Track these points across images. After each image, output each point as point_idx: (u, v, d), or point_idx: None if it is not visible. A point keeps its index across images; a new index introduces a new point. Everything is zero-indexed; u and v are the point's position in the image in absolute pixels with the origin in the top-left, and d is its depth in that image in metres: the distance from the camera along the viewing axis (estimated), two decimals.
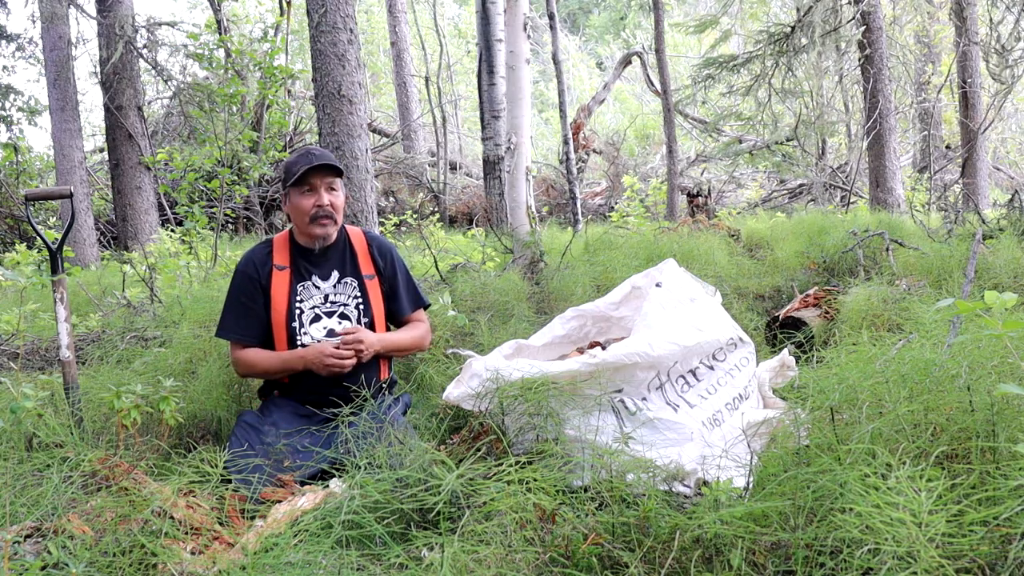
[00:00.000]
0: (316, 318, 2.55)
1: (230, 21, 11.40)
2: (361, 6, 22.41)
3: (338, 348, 2.43)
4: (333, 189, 2.57)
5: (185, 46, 9.33)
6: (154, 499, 1.70)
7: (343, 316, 2.57)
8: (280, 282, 2.56)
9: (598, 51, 28.93)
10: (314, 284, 2.59)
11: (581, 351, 2.80)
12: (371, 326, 2.60)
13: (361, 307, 2.60)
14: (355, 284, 2.62)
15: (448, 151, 12.97)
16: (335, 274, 2.62)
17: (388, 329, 2.70)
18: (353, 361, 2.44)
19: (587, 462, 1.88)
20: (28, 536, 1.60)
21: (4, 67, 24.42)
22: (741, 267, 4.72)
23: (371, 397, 2.43)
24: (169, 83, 9.60)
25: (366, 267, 2.66)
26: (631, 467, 1.82)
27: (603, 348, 2.52)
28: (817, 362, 2.18)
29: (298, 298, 2.56)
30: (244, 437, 2.38)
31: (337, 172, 2.57)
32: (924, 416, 1.64)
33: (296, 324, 2.54)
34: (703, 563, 1.50)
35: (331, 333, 2.55)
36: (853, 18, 8.15)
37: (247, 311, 2.56)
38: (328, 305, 2.58)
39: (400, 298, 2.70)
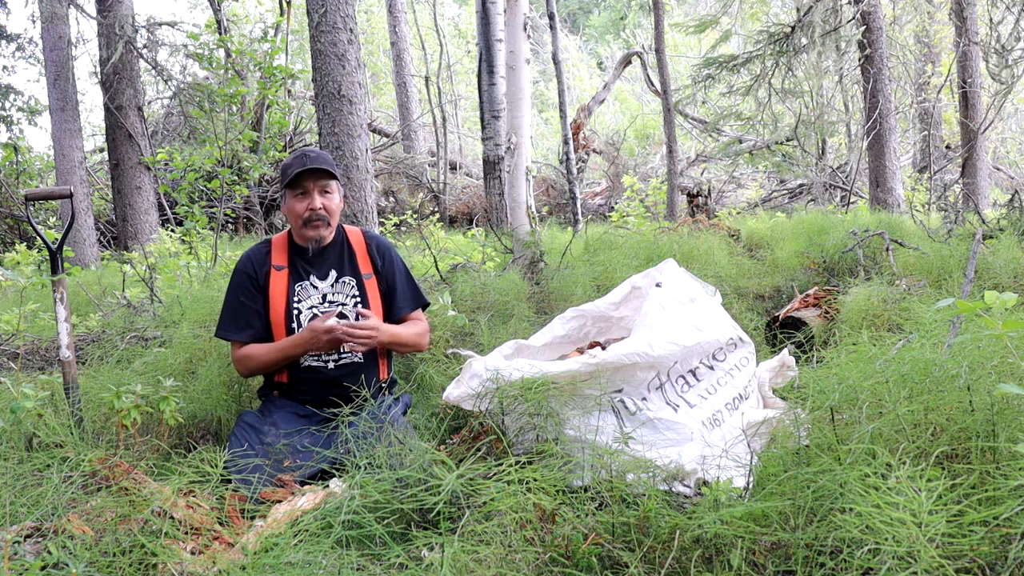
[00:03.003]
0: (314, 318, 2.56)
1: (230, 21, 11.39)
2: (361, 6, 22.42)
3: (351, 330, 2.42)
4: (327, 192, 2.56)
5: (185, 46, 9.33)
6: (154, 499, 1.70)
7: (341, 315, 2.58)
8: (278, 282, 2.57)
9: (598, 51, 28.93)
10: (312, 284, 2.59)
11: (581, 351, 2.80)
12: None
13: (359, 306, 2.60)
14: (353, 283, 2.62)
15: (448, 151, 12.97)
16: (333, 273, 2.62)
17: None
18: (359, 344, 2.43)
19: (587, 462, 1.88)
20: (28, 536, 1.60)
21: (4, 67, 24.38)
22: (741, 267, 4.72)
23: (371, 397, 2.43)
24: (169, 83, 9.60)
25: (364, 266, 2.66)
26: (631, 467, 1.82)
27: (603, 348, 2.52)
28: (817, 362, 2.18)
29: (296, 298, 2.56)
30: (244, 437, 2.38)
31: (330, 175, 2.56)
32: (924, 416, 1.64)
33: (295, 324, 2.54)
34: (703, 563, 1.50)
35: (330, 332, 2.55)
36: (853, 18, 8.15)
37: (246, 311, 2.56)
38: (326, 305, 2.58)
39: (399, 297, 2.70)
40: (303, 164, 2.52)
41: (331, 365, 2.53)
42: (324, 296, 2.59)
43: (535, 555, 1.56)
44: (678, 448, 2.19)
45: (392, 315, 2.70)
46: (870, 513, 1.26)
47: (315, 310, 2.56)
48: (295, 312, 2.55)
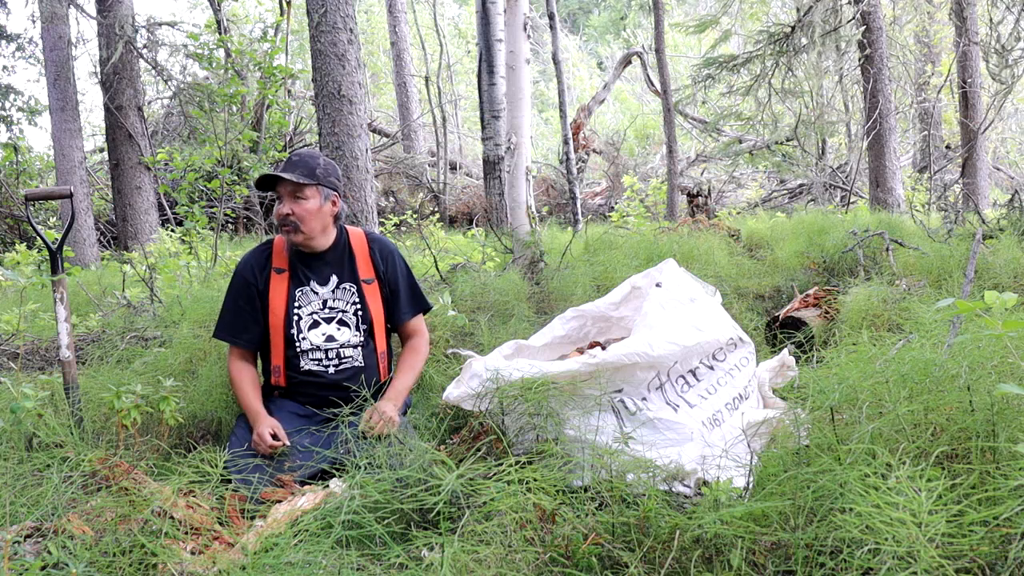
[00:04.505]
0: (314, 324, 2.55)
1: (230, 21, 11.40)
2: (361, 6, 22.41)
3: (368, 427, 2.32)
4: (299, 197, 2.49)
5: (185, 46, 9.33)
6: (154, 499, 1.70)
7: (341, 322, 2.57)
8: (278, 287, 2.55)
9: (598, 51, 28.93)
10: (312, 290, 2.57)
11: (581, 351, 2.80)
12: (370, 331, 2.60)
13: (360, 313, 2.59)
14: (353, 289, 2.60)
15: (448, 151, 12.97)
16: (334, 279, 2.60)
17: (387, 332, 2.70)
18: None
19: (587, 462, 1.88)
20: (28, 536, 1.60)
21: (4, 67, 24.34)
22: (741, 267, 4.72)
23: (371, 398, 2.43)
24: (169, 83, 9.60)
25: (365, 271, 2.63)
26: (631, 467, 1.82)
27: (603, 348, 2.52)
28: (817, 362, 2.18)
29: (296, 304, 2.55)
30: (244, 437, 2.38)
31: (297, 183, 2.48)
32: (924, 416, 1.64)
33: (294, 331, 2.53)
34: (703, 563, 1.50)
35: (330, 339, 2.54)
36: (853, 18, 8.14)
37: (243, 314, 2.56)
38: (327, 311, 2.57)
39: (401, 302, 2.69)
40: (276, 169, 2.51)
41: (331, 370, 2.53)
42: (324, 302, 2.57)
43: (535, 555, 1.56)
44: (678, 448, 2.19)
45: (393, 320, 2.69)
46: (870, 513, 1.26)
47: (315, 316, 2.55)
48: (295, 318, 2.54)
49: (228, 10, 11.65)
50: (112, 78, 8.66)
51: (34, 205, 9.11)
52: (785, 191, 12.01)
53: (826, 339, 3.42)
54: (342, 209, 2.66)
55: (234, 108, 7.43)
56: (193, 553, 1.61)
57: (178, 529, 1.66)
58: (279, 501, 1.97)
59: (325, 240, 2.60)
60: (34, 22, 9.35)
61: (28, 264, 6.16)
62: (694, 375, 2.38)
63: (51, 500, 1.75)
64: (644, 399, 2.27)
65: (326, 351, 2.53)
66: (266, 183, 2.53)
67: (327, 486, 2.04)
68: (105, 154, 10.15)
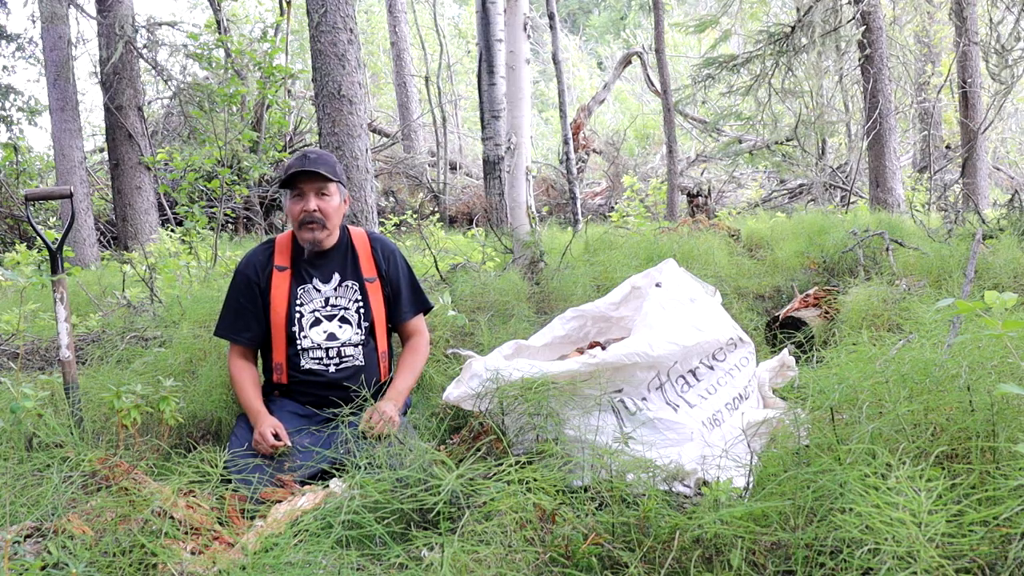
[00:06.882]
0: (316, 322, 2.55)
1: (230, 21, 11.40)
2: (361, 6, 22.42)
3: (368, 427, 2.31)
4: (324, 194, 2.52)
5: (185, 46, 9.33)
6: (154, 499, 1.70)
7: (343, 320, 2.57)
8: (280, 284, 2.56)
9: (598, 51, 28.92)
10: (315, 287, 2.58)
11: (581, 351, 2.80)
12: (371, 330, 2.60)
13: (362, 311, 2.59)
14: (356, 287, 2.61)
15: (448, 151, 12.97)
16: (336, 277, 2.61)
17: (388, 332, 2.70)
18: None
19: (587, 462, 1.88)
20: (28, 536, 1.60)
21: (4, 67, 24.32)
22: (741, 267, 4.72)
23: (371, 397, 2.43)
24: (169, 83, 9.60)
25: (368, 270, 2.64)
26: (631, 467, 1.82)
27: (603, 348, 2.52)
28: (817, 362, 2.18)
29: (298, 301, 2.55)
30: (244, 437, 2.38)
31: (326, 178, 2.51)
32: (924, 416, 1.64)
33: (296, 328, 2.53)
34: (703, 563, 1.50)
35: (331, 337, 2.54)
36: (853, 18, 8.14)
37: (245, 313, 2.56)
38: (328, 308, 2.57)
39: (402, 302, 2.69)
40: (301, 165, 2.50)
41: (332, 369, 2.53)
42: (327, 300, 2.58)
43: (535, 555, 1.56)
44: (678, 448, 2.19)
45: (394, 320, 2.70)
46: (870, 513, 1.26)
47: (317, 314, 2.55)
48: (297, 316, 2.54)
49: (228, 10, 11.65)
50: (112, 78, 8.66)
51: (34, 205, 9.11)
52: (785, 191, 12.00)
53: (826, 339, 3.42)
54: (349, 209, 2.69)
55: (234, 108, 7.43)
56: (193, 553, 1.61)
57: (178, 529, 1.66)
58: (279, 501, 1.97)
59: (333, 238, 2.61)
60: (34, 22, 9.36)
61: (28, 264, 6.16)
62: (694, 375, 2.38)
63: (51, 500, 1.75)
64: (644, 399, 2.27)
65: (327, 349, 2.53)
66: (293, 178, 2.51)
67: (327, 486, 2.04)
68: (105, 154, 10.15)
